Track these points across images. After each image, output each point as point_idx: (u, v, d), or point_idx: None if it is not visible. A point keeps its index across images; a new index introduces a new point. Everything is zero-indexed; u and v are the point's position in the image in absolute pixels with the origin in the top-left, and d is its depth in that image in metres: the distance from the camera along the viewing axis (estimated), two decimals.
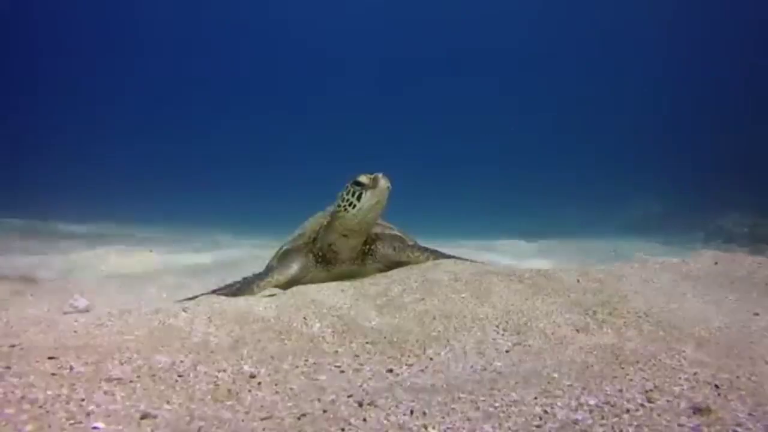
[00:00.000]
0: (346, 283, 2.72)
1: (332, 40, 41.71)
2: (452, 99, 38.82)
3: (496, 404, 1.28)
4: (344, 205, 2.84)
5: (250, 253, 6.77)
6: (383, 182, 2.75)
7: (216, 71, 41.22)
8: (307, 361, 1.74)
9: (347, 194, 2.84)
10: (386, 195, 2.78)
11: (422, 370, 1.68)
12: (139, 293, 3.38)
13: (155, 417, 1.25)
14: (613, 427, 1.15)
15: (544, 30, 36.11)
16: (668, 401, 1.26)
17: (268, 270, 3.04)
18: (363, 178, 2.79)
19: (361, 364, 1.74)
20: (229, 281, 3.09)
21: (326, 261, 3.05)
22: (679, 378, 1.41)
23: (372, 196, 2.77)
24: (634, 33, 31.52)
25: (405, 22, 39.82)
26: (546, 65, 35.60)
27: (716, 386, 1.35)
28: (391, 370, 1.68)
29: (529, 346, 1.87)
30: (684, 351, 1.67)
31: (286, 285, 2.94)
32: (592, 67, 33.62)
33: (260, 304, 2.22)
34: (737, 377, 1.42)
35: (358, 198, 2.79)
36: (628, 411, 1.22)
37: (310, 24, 41.28)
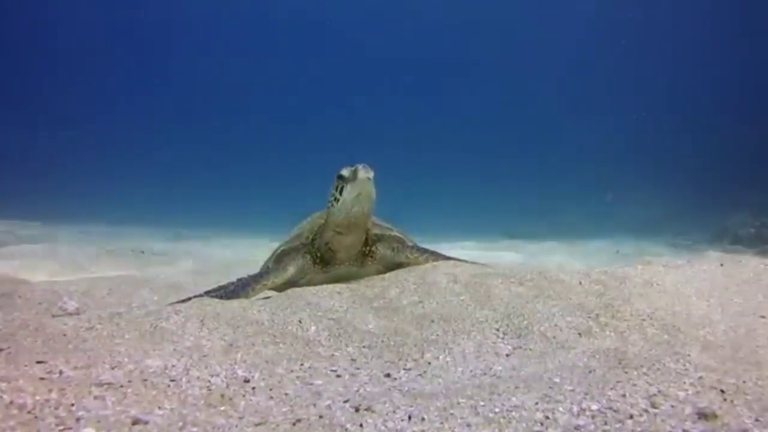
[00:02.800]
0: (343, 286, 2.70)
1: (331, 39, 41.81)
2: (453, 98, 38.90)
3: (496, 409, 1.26)
4: (332, 201, 2.80)
5: (246, 254, 6.75)
6: (362, 173, 2.64)
7: (214, 70, 41.30)
8: (302, 365, 1.71)
9: (333, 189, 2.79)
10: (367, 186, 2.67)
11: (420, 375, 1.66)
12: (130, 295, 3.33)
13: (147, 423, 1.23)
14: None
15: (545, 27, 36.11)
16: (673, 406, 1.24)
17: (264, 272, 3.00)
18: (344, 171, 2.71)
19: (358, 369, 1.72)
20: (224, 283, 3.05)
21: (324, 262, 3.01)
22: (684, 382, 1.39)
23: (352, 189, 2.68)
24: (638, 30, 31.46)
25: (405, 19, 39.89)
26: (549, 64, 35.59)
27: (722, 391, 1.33)
28: (388, 375, 1.66)
29: (530, 349, 1.86)
30: (689, 355, 1.65)
31: (283, 287, 2.91)
32: (597, 65, 33.58)
33: (254, 307, 2.20)
34: (743, 382, 1.40)
35: (341, 192, 2.73)
36: (631, 416, 1.20)
37: (308, 23, 41.37)
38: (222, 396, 1.43)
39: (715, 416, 1.18)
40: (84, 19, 38.76)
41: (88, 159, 28.54)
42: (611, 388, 1.35)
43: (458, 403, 1.30)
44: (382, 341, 1.95)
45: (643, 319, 2.08)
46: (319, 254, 3.00)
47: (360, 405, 1.32)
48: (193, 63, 41.43)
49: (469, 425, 1.18)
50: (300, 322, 2.08)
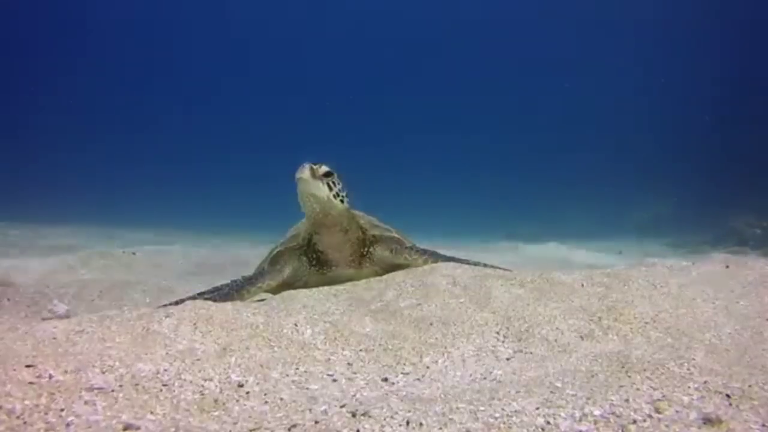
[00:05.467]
0: (339, 288, 2.68)
1: (329, 40, 41.87)
2: (454, 100, 38.95)
3: (497, 415, 1.24)
4: None
5: (241, 254, 6.70)
6: (298, 174, 2.68)
7: (210, 69, 41.33)
8: (297, 369, 1.69)
9: None
10: (302, 186, 2.69)
11: (419, 379, 1.64)
12: (121, 298, 3.32)
13: (138, 428, 1.22)
14: None
15: (546, 28, 36.08)
16: (677, 411, 1.22)
17: (259, 274, 2.97)
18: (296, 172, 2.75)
19: (355, 373, 1.69)
20: (217, 284, 3.02)
21: (320, 263, 2.99)
22: (689, 387, 1.37)
23: (297, 190, 2.73)
24: (638, 30, 31.40)
25: (410, 15, 39.85)
26: (550, 64, 35.58)
27: (727, 396, 1.31)
28: (386, 379, 1.64)
29: (531, 353, 1.84)
30: (693, 359, 1.62)
31: (279, 289, 2.88)
32: (598, 65, 33.52)
33: (249, 310, 2.17)
34: (749, 386, 1.38)
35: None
36: (634, 422, 1.18)
37: (305, 23, 41.44)
38: (215, 401, 1.41)
39: (720, 422, 1.17)
40: (76, 19, 38.84)
41: (73, 158, 28.54)
42: (614, 393, 1.33)
43: (457, 408, 1.28)
44: (380, 345, 1.92)
45: (647, 322, 2.06)
46: (315, 256, 2.98)
47: (357, 410, 1.29)
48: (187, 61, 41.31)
49: (468, 431, 1.16)
50: (295, 325, 2.05)
